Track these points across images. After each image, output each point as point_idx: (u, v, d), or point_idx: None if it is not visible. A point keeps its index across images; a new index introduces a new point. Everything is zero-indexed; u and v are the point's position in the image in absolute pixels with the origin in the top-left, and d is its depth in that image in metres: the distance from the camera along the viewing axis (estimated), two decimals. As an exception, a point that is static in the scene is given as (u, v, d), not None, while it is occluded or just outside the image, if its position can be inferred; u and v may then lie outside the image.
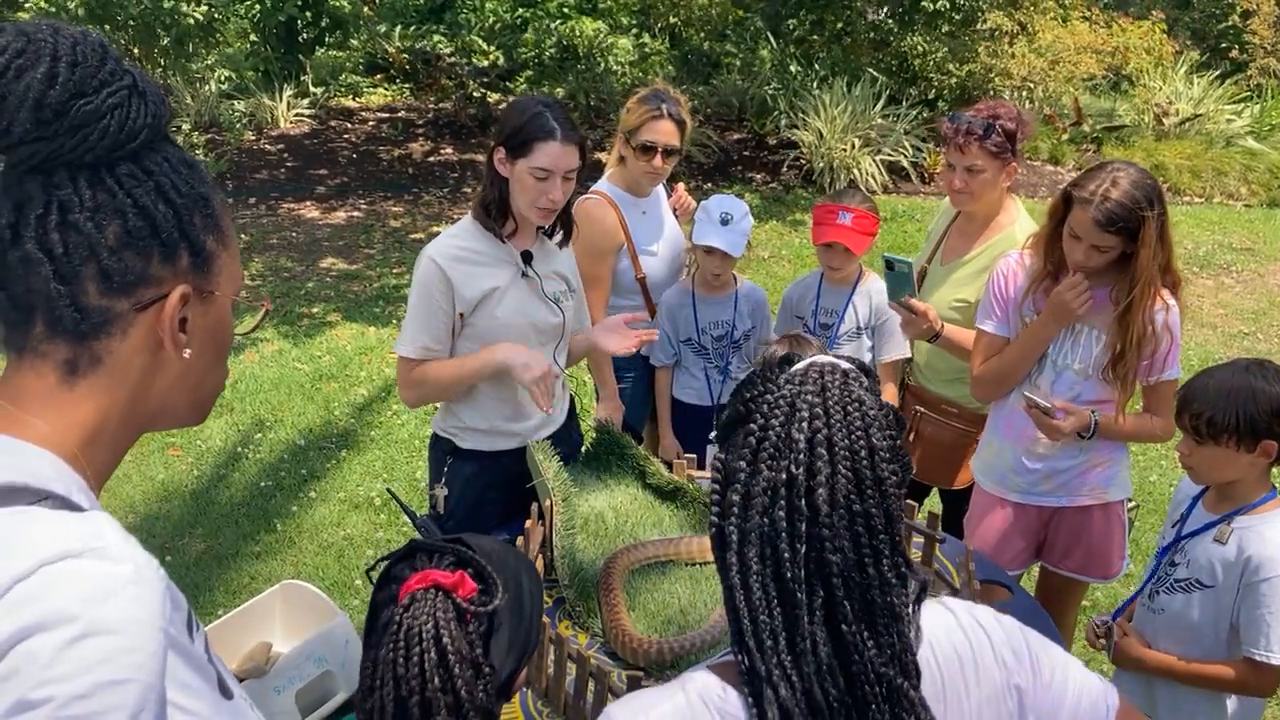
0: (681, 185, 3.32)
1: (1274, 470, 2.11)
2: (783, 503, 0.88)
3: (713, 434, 3.08)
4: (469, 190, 8.53)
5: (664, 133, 2.88)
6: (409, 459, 4.55)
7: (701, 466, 2.70)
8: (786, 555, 0.88)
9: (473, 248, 2.40)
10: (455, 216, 7.77)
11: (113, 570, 0.79)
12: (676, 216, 3.22)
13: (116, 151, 0.90)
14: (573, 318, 2.57)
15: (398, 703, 1.21)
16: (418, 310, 2.38)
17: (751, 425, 0.91)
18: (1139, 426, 2.53)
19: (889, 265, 2.77)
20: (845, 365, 0.94)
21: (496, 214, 2.37)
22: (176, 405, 1.00)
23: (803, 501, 0.87)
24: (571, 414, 2.73)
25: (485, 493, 2.52)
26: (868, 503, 0.88)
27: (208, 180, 0.98)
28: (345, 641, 3.16)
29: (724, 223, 2.93)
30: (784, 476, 0.88)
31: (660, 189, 3.14)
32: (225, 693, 0.97)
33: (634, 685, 1.82)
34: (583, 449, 2.72)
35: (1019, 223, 2.87)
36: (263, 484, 4.34)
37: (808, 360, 0.94)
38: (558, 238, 2.52)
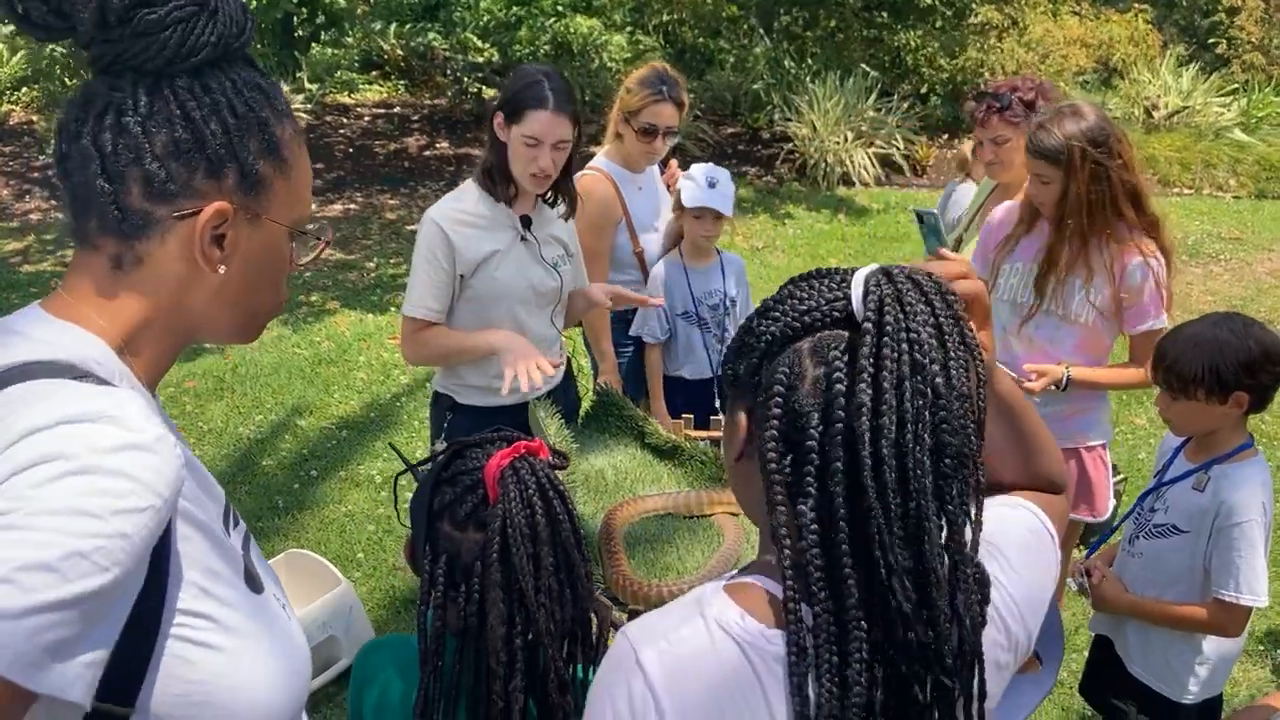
0: (675, 162, 3.38)
1: (1264, 419, 2.17)
2: (908, 390, 0.87)
3: (718, 403, 3.15)
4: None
5: (665, 115, 2.96)
6: (408, 440, 4.61)
7: (702, 427, 2.75)
8: (911, 443, 0.87)
9: (474, 211, 2.46)
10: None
11: (125, 435, 0.81)
12: (671, 192, 3.28)
13: (178, 64, 0.93)
14: (570, 281, 2.63)
15: (533, 560, 1.30)
16: (420, 271, 2.45)
17: (866, 324, 0.89)
18: (1115, 376, 2.65)
19: (919, 219, 2.92)
20: (912, 267, 0.96)
21: (499, 178, 2.43)
22: (220, 319, 1.02)
23: (927, 387, 0.88)
24: (569, 374, 2.79)
25: (485, 449, 2.58)
26: (969, 384, 0.90)
27: (278, 107, 1.00)
28: (349, 608, 3.22)
29: (710, 185, 3.00)
30: (907, 368, 0.88)
31: (654, 165, 3.21)
32: (255, 586, 0.99)
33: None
34: (581, 410, 2.77)
35: None
36: (264, 462, 4.39)
37: (876, 266, 0.94)
38: (560, 209, 2.58)
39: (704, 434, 2.65)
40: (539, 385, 2.30)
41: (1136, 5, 10.56)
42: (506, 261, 2.47)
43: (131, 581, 0.81)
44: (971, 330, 0.92)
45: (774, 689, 0.89)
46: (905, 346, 0.88)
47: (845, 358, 0.90)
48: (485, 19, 8.23)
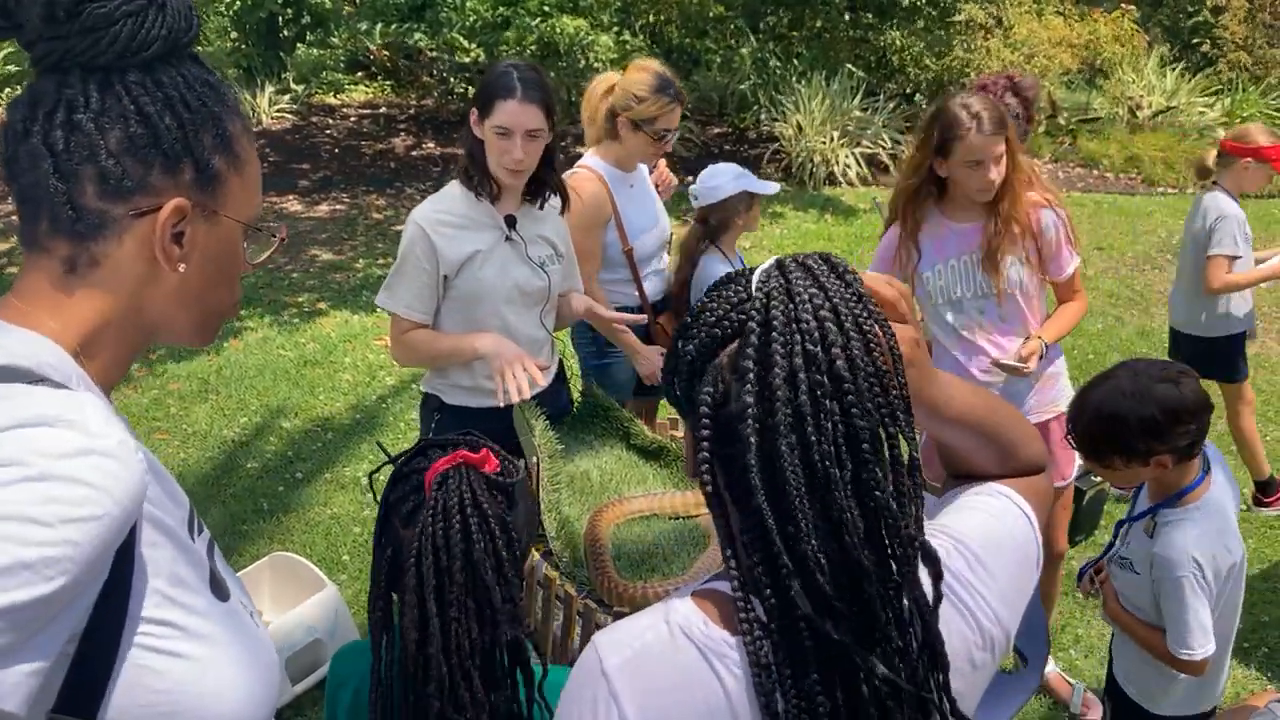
0: (663, 161, 3.38)
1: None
2: (803, 383, 0.86)
3: None
4: (451, 184, 8.57)
5: (677, 119, 3.00)
6: (394, 441, 4.59)
7: None
8: (813, 436, 0.85)
9: (456, 211, 2.46)
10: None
11: (84, 440, 0.79)
12: (659, 192, 3.29)
13: (128, 58, 0.91)
14: (559, 282, 2.62)
15: (439, 573, 1.27)
16: (401, 271, 2.47)
17: (751, 324, 0.89)
18: (1070, 321, 2.81)
19: (879, 208, 3.13)
20: (807, 254, 0.95)
21: (479, 177, 2.43)
22: (175, 320, 1.00)
23: (824, 375, 0.86)
24: (560, 377, 2.79)
25: (472, 450, 2.58)
26: (878, 362, 0.88)
27: (228, 103, 0.98)
28: (335, 611, 3.21)
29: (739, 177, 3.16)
30: (800, 360, 0.86)
31: (643, 164, 3.21)
32: (220, 594, 0.97)
33: (620, 622, 1.87)
34: (571, 413, 2.77)
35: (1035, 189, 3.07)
36: (249, 465, 4.36)
37: (773, 259, 0.94)
38: (549, 206, 2.57)
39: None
40: (526, 394, 2.29)
41: (1123, 5, 10.61)
42: (490, 261, 2.46)
43: (83, 590, 0.79)
44: (876, 306, 0.91)
45: (737, 695, 0.90)
46: (797, 339, 0.86)
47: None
48: (471, 19, 8.21)
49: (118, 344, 0.96)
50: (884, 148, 8.58)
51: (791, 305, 0.88)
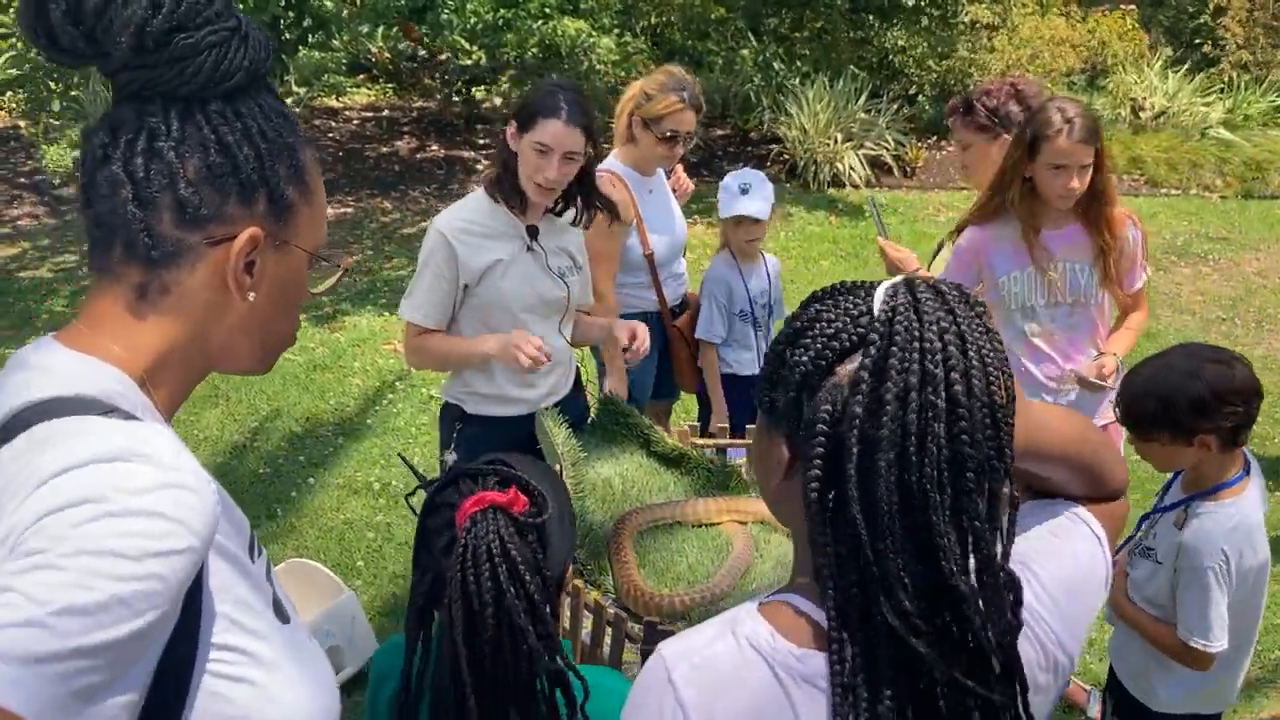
0: (680, 167, 3.39)
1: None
2: (914, 402, 0.86)
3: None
4: (457, 186, 8.57)
5: (688, 122, 3.00)
6: (405, 446, 4.60)
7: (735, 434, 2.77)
8: (914, 456, 0.86)
9: (479, 220, 2.48)
10: (443, 212, 7.79)
11: (161, 475, 0.80)
12: (676, 196, 3.30)
13: (211, 89, 0.92)
14: (578, 292, 2.64)
15: (469, 616, 1.28)
16: (421, 279, 2.49)
17: (872, 335, 0.88)
18: (1135, 333, 2.84)
19: (872, 205, 3.33)
20: (938, 279, 0.95)
21: (509, 188, 2.44)
22: (240, 349, 1.01)
23: (938, 398, 0.86)
24: (577, 384, 2.80)
25: (493, 457, 2.59)
26: (995, 396, 0.88)
27: (299, 133, 1.00)
28: (352, 617, 3.22)
29: (743, 192, 3.13)
30: (915, 378, 0.86)
31: (661, 169, 3.23)
32: (282, 616, 0.97)
33: (650, 631, 1.89)
34: (589, 419, 2.78)
35: None
36: (261, 471, 4.37)
37: (901, 277, 0.93)
38: (568, 216, 2.58)
39: (709, 442, 2.65)
40: (544, 361, 2.33)
41: (1124, 6, 10.62)
42: (512, 271, 2.48)
43: (167, 622, 0.80)
44: (1001, 346, 0.92)
45: (804, 708, 0.90)
46: (915, 357, 0.86)
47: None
48: (472, 21, 8.21)
49: (183, 372, 0.97)
50: (887, 149, 8.59)
51: (917, 323, 0.88)
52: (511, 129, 2.42)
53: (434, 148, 9.55)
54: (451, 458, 2.60)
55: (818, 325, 0.93)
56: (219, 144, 0.93)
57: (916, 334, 0.87)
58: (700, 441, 2.65)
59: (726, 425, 2.79)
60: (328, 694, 0.97)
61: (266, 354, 1.05)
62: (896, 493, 0.86)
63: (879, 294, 0.91)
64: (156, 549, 0.76)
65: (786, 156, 8.69)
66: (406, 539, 3.89)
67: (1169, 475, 2.28)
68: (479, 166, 8.95)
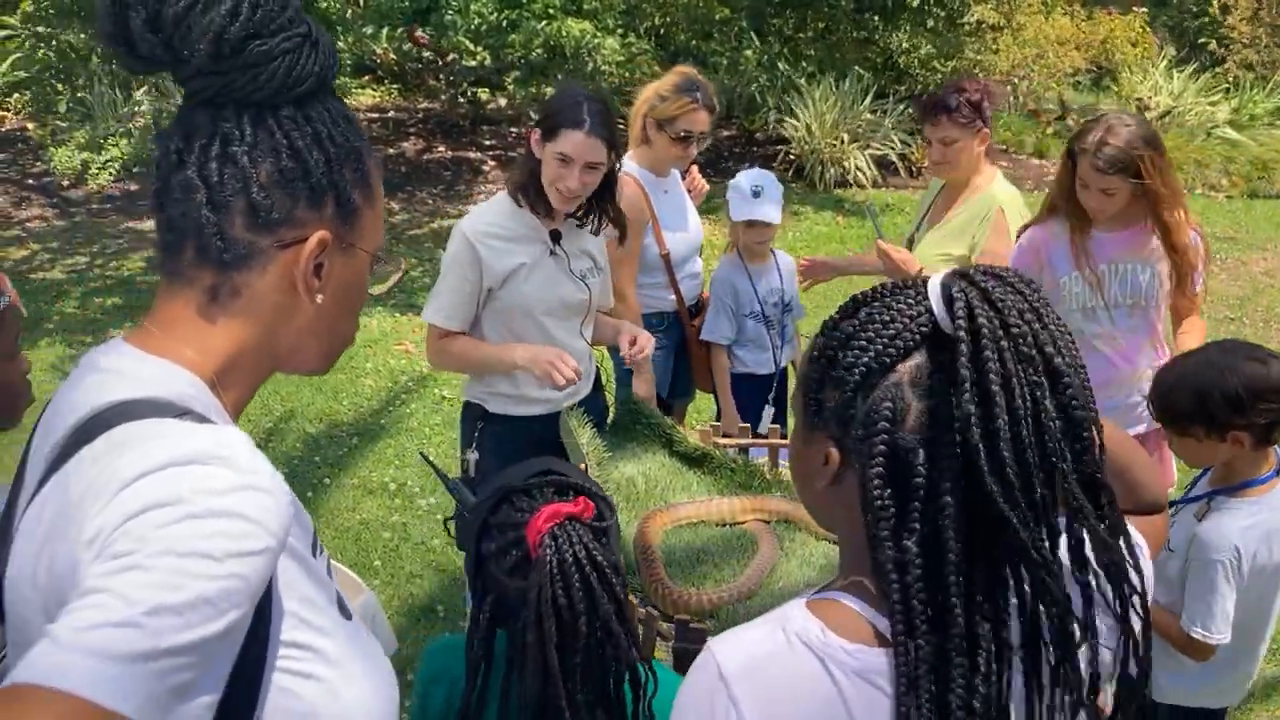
0: (695, 168, 3.41)
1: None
2: (1017, 387, 0.88)
3: (771, 395, 3.30)
4: (464, 188, 8.59)
5: (700, 122, 3.01)
6: (419, 445, 4.61)
7: (757, 433, 2.79)
8: (1030, 439, 0.88)
9: (503, 224, 2.50)
10: (453, 213, 7.82)
11: (239, 477, 0.81)
12: (691, 197, 3.32)
13: (283, 94, 0.93)
14: (599, 294, 2.66)
15: (562, 628, 1.30)
16: (445, 282, 2.51)
17: (960, 334, 0.89)
18: (1199, 337, 2.80)
19: (868, 209, 3.30)
20: (989, 265, 0.97)
21: (534, 193, 2.46)
22: (306, 350, 1.03)
23: (1042, 375, 0.89)
24: (597, 384, 2.82)
25: (515, 456, 2.59)
26: (1079, 354, 0.92)
27: (363, 137, 1.01)
28: (372, 616, 3.22)
29: (755, 194, 3.12)
30: (1012, 365, 0.88)
31: (676, 169, 3.24)
32: (345, 613, 0.99)
33: (681, 629, 1.90)
34: (609, 420, 2.80)
35: (996, 183, 3.14)
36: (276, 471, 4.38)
37: (947, 271, 0.95)
38: (590, 225, 2.60)
39: (731, 441, 2.67)
40: (575, 380, 2.35)
41: (1136, 9, 10.63)
42: (535, 274, 2.50)
43: (245, 621, 0.81)
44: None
45: (856, 703, 0.91)
46: (1006, 344, 0.88)
47: (944, 379, 0.90)
48: (476, 22, 8.22)
49: (251, 374, 0.99)
50: (893, 149, 8.61)
51: (996, 313, 0.90)
52: (535, 136, 2.43)
53: (440, 149, 9.57)
54: (473, 457, 2.62)
55: (872, 327, 0.93)
56: (290, 149, 0.94)
57: (1000, 322, 0.89)
58: (723, 441, 2.66)
59: (748, 425, 2.81)
60: (389, 689, 0.99)
61: (331, 354, 1.06)
62: (1019, 476, 0.88)
63: (933, 292, 0.92)
64: (237, 549, 0.78)
65: (793, 157, 8.71)
66: (422, 538, 3.91)
67: (1198, 471, 2.30)
68: (485, 167, 8.96)
